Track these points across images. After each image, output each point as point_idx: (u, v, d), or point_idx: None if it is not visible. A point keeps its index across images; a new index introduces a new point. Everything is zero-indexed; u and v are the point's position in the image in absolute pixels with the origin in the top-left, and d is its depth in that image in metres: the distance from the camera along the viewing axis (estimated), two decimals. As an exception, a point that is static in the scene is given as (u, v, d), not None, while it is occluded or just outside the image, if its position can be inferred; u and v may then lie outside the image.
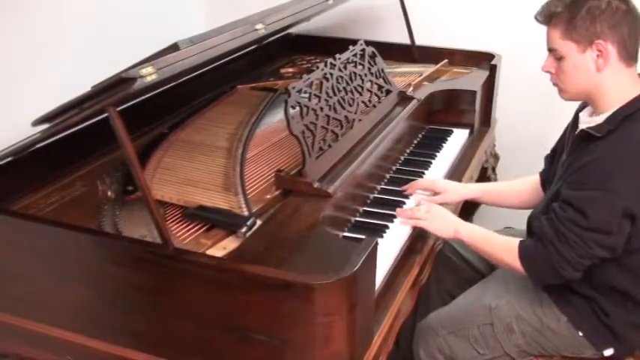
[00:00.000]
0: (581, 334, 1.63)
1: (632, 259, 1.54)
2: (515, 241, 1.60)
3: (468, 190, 1.96)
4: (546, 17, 1.55)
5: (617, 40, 1.49)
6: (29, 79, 2.09)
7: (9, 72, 2.03)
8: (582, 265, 1.52)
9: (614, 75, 1.52)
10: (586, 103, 1.65)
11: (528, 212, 1.81)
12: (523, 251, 1.57)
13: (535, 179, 1.88)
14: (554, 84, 1.61)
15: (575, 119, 1.69)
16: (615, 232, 1.48)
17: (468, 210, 2.47)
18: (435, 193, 1.89)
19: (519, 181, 1.93)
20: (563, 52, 1.53)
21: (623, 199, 1.45)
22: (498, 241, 1.65)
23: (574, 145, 1.61)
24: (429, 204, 1.75)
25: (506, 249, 1.61)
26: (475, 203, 2.46)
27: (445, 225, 1.69)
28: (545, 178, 1.82)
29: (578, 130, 1.61)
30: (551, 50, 1.56)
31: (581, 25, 1.49)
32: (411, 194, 1.87)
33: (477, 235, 1.67)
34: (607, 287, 1.59)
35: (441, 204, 1.79)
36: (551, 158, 1.81)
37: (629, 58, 1.52)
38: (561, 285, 1.61)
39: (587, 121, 1.60)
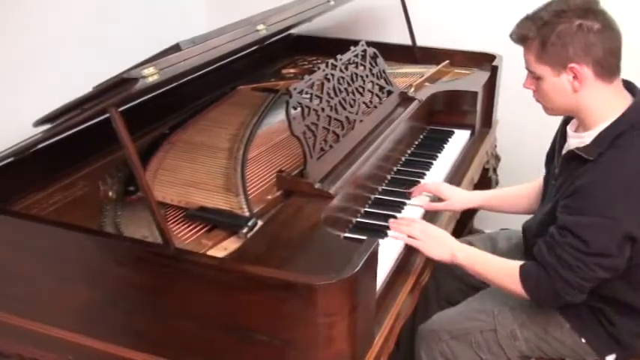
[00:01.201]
0: (584, 340, 1.62)
1: (635, 273, 1.53)
2: (515, 266, 1.57)
3: (474, 197, 1.94)
4: (519, 40, 1.54)
5: (592, 61, 1.46)
6: (30, 80, 2.09)
7: (10, 72, 2.03)
8: (586, 287, 1.50)
9: (594, 93, 1.50)
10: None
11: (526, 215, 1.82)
12: (525, 278, 1.54)
13: (539, 183, 1.85)
14: (537, 101, 1.60)
15: (563, 130, 1.68)
16: (616, 255, 1.46)
17: (468, 213, 2.47)
18: (440, 199, 1.88)
19: (525, 186, 1.91)
20: (539, 74, 1.52)
21: (623, 224, 1.44)
22: (498, 265, 1.61)
23: (563, 165, 1.60)
24: (425, 223, 1.70)
25: (506, 274, 1.57)
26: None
27: (441, 249, 1.64)
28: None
29: (566, 151, 1.59)
30: (529, 70, 1.56)
31: (553, 51, 1.47)
32: (417, 193, 1.87)
33: (475, 259, 1.63)
34: (613, 300, 1.58)
35: (444, 212, 1.79)
36: (547, 165, 1.79)
37: (609, 75, 1.49)
38: None
39: (574, 137, 1.59)
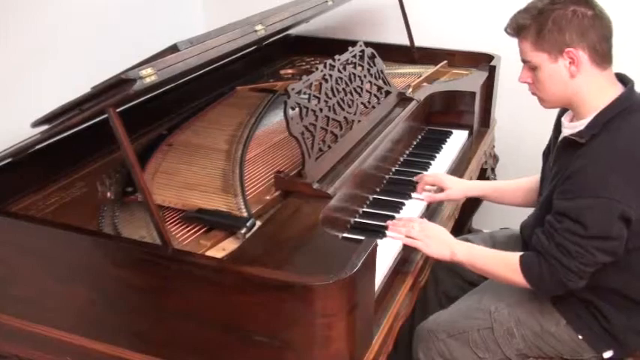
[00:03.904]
0: (580, 337, 1.63)
1: (629, 259, 1.54)
2: (515, 258, 1.57)
3: (474, 186, 1.97)
4: (515, 30, 1.56)
5: (588, 46, 1.49)
6: (29, 80, 2.09)
7: (8, 72, 2.03)
8: (587, 273, 1.51)
9: (590, 80, 1.53)
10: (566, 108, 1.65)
11: (527, 213, 1.82)
12: (526, 268, 1.55)
13: (538, 177, 1.86)
14: (533, 94, 1.61)
15: (558, 124, 1.69)
16: (615, 237, 1.47)
17: (468, 210, 2.47)
18: (440, 189, 1.90)
19: (525, 180, 1.92)
20: (536, 62, 1.54)
21: (618, 203, 1.45)
22: (497, 259, 1.62)
23: (559, 153, 1.62)
24: (423, 221, 1.69)
25: (506, 266, 1.58)
26: (476, 203, 2.47)
27: (441, 247, 1.63)
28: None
29: (561, 137, 1.61)
30: (525, 61, 1.58)
31: (549, 36, 1.50)
32: (421, 188, 1.88)
33: (474, 255, 1.63)
34: (606, 289, 1.59)
35: (445, 201, 1.81)
36: (544, 161, 1.81)
37: (602, 62, 1.52)
38: None
39: (569, 127, 1.61)
